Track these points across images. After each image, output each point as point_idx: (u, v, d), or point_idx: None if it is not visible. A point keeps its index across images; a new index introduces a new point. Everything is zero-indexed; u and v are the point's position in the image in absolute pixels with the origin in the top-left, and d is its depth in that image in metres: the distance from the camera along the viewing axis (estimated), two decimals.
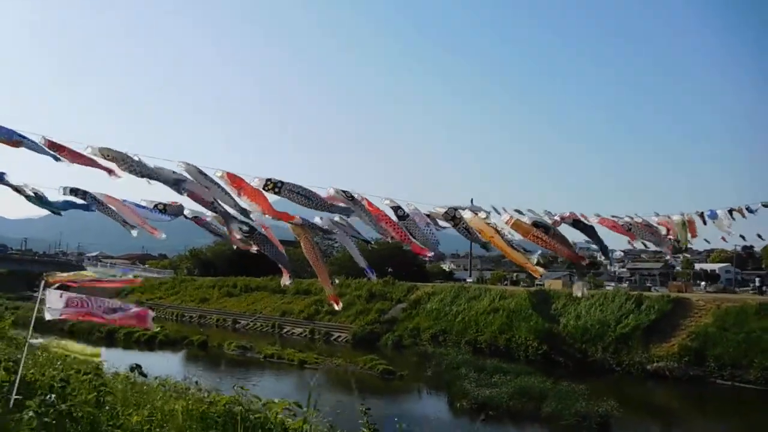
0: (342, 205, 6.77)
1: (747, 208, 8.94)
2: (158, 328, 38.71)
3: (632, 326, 30.32)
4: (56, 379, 5.88)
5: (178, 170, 6.01)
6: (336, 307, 9.98)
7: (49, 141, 6.15)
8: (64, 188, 7.07)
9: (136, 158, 6.12)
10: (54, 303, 5.33)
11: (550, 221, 6.90)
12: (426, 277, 54.90)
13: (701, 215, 8.55)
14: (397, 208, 6.72)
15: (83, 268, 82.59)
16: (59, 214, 7.06)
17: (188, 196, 6.18)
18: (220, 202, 6.28)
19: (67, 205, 6.98)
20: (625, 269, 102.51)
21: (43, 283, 5.17)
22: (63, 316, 5.41)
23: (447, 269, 79.72)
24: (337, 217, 8.42)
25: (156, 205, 7.44)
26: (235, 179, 6.65)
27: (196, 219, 8.55)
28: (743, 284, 69.55)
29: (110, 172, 6.35)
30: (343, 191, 6.51)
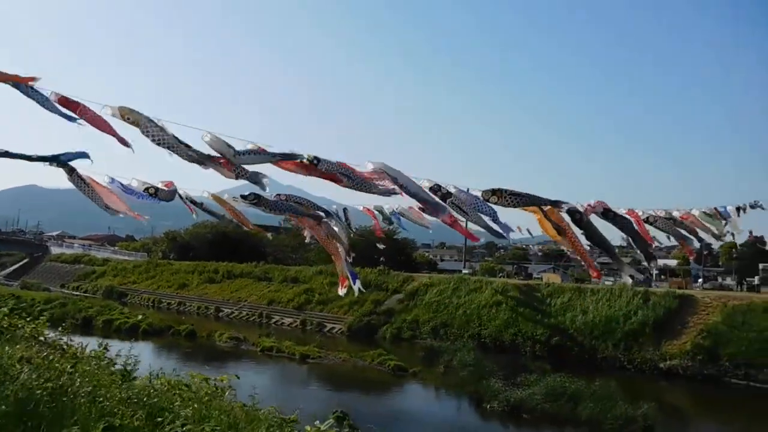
0: (383, 185, 6.76)
1: (752, 205, 8.64)
2: (140, 316, 36.55)
3: (641, 322, 29.80)
4: None
5: (202, 141, 5.66)
6: (340, 290, 9.26)
7: (61, 97, 5.54)
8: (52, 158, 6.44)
9: (159, 123, 5.64)
10: None
11: (581, 209, 6.68)
12: (415, 267, 53.80)
13: (716, 211, 8.04)
14: (437, 189, 6.65)
15: (46, 248, 78.47)
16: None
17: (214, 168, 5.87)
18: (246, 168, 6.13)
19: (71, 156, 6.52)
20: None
21: None
22: None
23: (436, 258, 79.27)
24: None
25: (147, 189, 7.12)
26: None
27: (193, 201, 8.28)
28: (705, 281, 70.71)
29: (124, 143, 5.85)
30: (382, 164, 6.42)
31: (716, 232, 8.79)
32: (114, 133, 6.29)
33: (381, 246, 45.13)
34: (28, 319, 8.61)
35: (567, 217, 6.82)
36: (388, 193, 8.05)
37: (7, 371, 4.53)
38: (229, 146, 6.04)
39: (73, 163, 7.34)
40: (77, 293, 54.87)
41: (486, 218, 7.10)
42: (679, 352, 27.65)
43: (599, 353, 29.25)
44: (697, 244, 9.02)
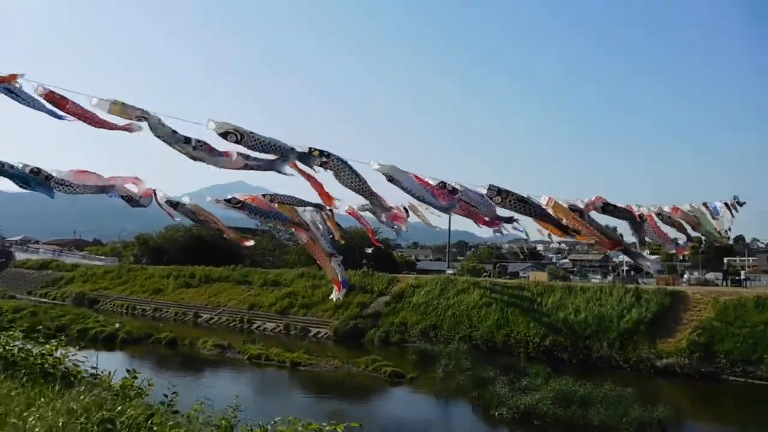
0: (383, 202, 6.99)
1: (737, 202, 8.52)
2: (118, 324, 34.84)
3: (635, 320, 29.55)
4: None
5: (208, 130, 5.53)
6: (333, 294, 8.71)
7: (48, 92, 5.19)
8: (24, 165, 6.24)
9: (154, 116, 5.38)
10: None
11: (582, 206, 6.92)
12: (397, 268, 52.96)
13: (705, 206, 8.34)
14: (442, 186, 6.69)
15: (10, 254, 74.89)
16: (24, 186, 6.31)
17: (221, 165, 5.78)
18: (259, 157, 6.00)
19: (29, 181, 6.25)
20: (567, 260, 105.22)
21: None
22: None
23: (412, 258, 78.69)
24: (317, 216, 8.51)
25: (122, 197, 7.08)
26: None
27: (172, 204, 8.14)
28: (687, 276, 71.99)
29: (129, 129, 5.56)
30: (390, 167, 6.35)
31: (710, 230, 8.77)
32: (113, 126, 5.67)
33: (369, 250, 44.54)
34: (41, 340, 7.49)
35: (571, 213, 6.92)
36: (382, 210, 7.61)
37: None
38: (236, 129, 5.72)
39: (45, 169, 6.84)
40: (45, 300, 52.53)
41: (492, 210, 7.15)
42: (675, 350, 27.42)
43: (594, 353, 28.85)
44: (682, 243, 9.00)
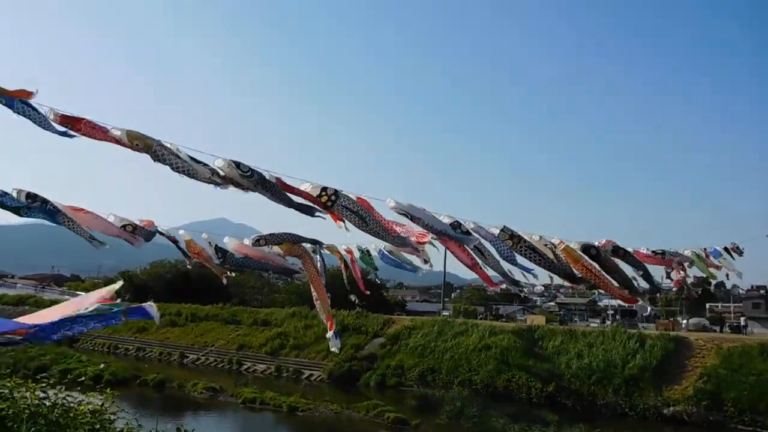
0: (402, 234, 6.40)
1: (735, 248, 8.78)
2: (102, 365, 33.32)
3: (640, 367, 29.00)
4: None
5: (217, 167, 5.32)
6: (330, 340, 8.58)
7: (62, 115, 5.01)
8: (19, 192, 5.90)
9: (169, 146, 5.13)
10: None
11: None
12: (390, 308, 52.01)
13: (705, 251, 8.47)
14: (457, 226, 6.33)
15: None
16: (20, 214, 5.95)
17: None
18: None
19: (29, 211, 5.91)
20: (553, 303, 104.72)
21: None
22: None
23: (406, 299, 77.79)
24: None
25: (125, 226, 6.67)
26: (286, 186, 5.89)
27: (172, 239, 7.80)
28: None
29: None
30: (407, 205, 6.06)
31: (705, 272, 8.91)
32: (126, 145, 5.31)
33: (354, 299, 43.75)
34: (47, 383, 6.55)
35: (584, 255, 6.56)
36: (406, 243, 7.45)
37: None
38: (243, 174, 5.41)
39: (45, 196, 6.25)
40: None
41: (503, 262, 6.88)
42: (681, 398, 26.87)
43: (599, 399, 28.14)
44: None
